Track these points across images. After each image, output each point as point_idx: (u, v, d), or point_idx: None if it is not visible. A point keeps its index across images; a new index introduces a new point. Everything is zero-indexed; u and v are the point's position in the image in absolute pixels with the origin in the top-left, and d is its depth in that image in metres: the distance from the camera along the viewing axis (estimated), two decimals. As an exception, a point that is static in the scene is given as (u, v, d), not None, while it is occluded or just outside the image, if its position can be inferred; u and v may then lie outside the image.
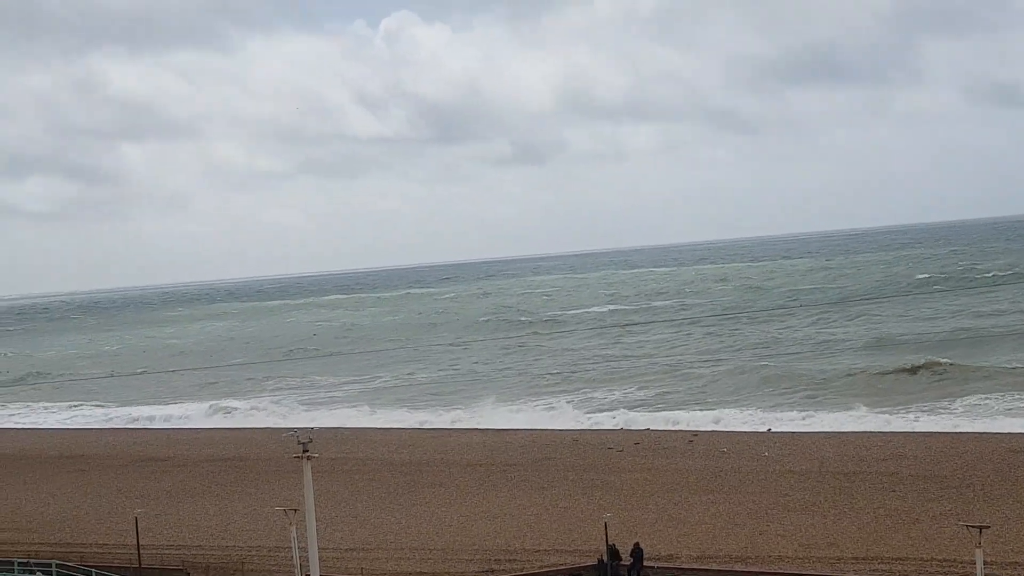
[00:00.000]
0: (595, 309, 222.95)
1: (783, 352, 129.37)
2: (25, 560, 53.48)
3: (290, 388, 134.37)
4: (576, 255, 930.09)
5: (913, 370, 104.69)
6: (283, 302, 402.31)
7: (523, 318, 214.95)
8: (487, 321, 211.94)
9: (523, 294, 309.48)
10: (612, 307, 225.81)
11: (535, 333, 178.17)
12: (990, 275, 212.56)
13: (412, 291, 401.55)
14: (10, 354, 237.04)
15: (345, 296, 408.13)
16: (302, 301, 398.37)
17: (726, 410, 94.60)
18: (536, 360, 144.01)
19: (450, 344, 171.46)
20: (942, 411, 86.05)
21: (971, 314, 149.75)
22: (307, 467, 40.91)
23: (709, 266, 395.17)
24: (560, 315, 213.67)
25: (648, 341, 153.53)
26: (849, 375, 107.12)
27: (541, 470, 72.19)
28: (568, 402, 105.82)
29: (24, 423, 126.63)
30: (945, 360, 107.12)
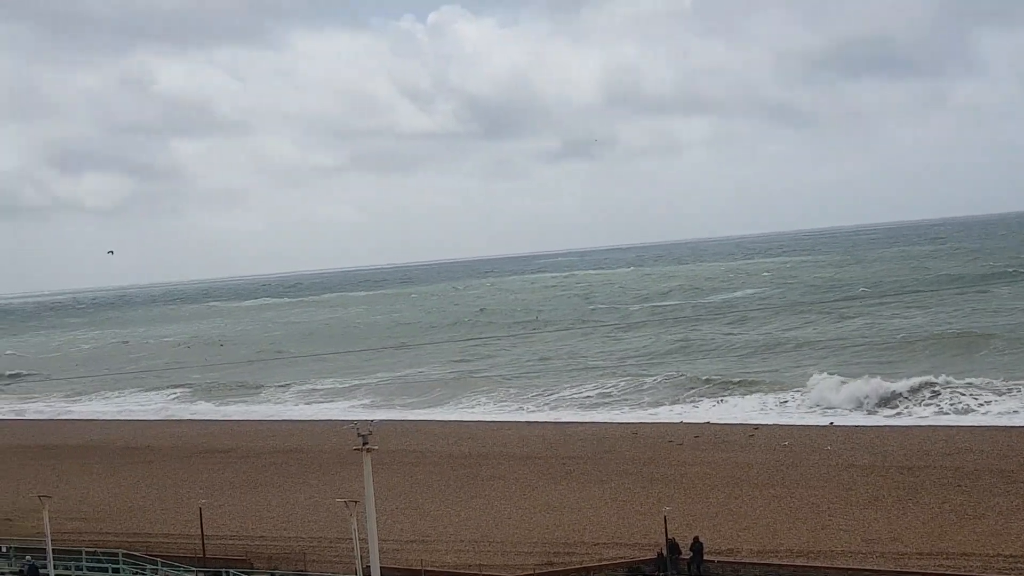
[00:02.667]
0: (668, 303, 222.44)
1: (851, 344, 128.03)
2: (93, 549, 54.18)
3: (345, 379, 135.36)
4: (629, 248, 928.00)
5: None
6: (341, 294, 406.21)
7: (591, 307, 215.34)
8: (551, 311, 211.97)
9: (591, 286, 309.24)
10: (673, 301, 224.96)
11: (604, 324, 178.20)
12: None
13: (479, 280, 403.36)
14: (116, 339, 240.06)
15: (399, 289, 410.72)
16: (363, 293, 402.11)
17: (787, 402, 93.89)
18: (602, 351, 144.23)
19: (511, 336, 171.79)
20: (1008, 406, 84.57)
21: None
22: (367, 459, 40.69)
23: (771, 260, 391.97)
24: (632, 307, 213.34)
25: (722, 332, 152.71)
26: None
27: (600, 463, 71.95)
28: (624, 394, 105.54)
29: (102, 412, 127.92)
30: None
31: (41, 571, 50.90)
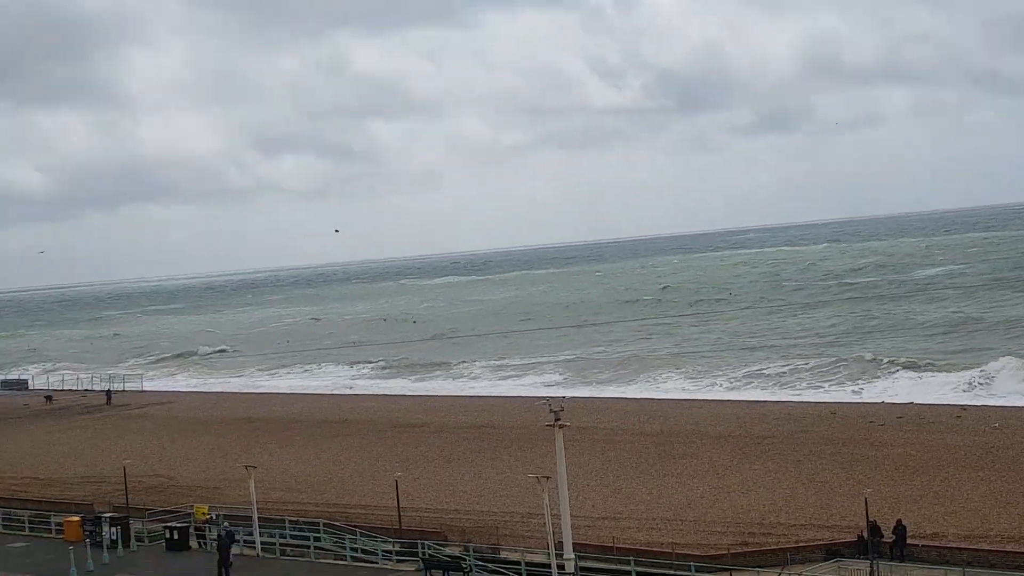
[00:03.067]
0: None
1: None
2: (296, 518, 55.91)
3: (532, 357, 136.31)
4: (826, 223, 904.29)
5: None
6: (527, 272, 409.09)
7: (782, 284, 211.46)
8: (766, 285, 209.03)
9: (783, 262, 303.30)
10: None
11: (792, 303, 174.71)
12: None
13: (668, 257, 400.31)
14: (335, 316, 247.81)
15: (586, 267, 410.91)
16: (549, 271, 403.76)
17: (993, 382, 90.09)
18: (791, 328, 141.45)
19: (695, 314, 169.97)
20: None
21: None
22: (559, 435, 41.33)
23: (976, 235, 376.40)
24: (826, 284, 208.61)
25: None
26: None
27: (796, 443, 70.27)
28: (818, 372, 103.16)
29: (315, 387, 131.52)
30: None
31: (243, 537, 52.91)
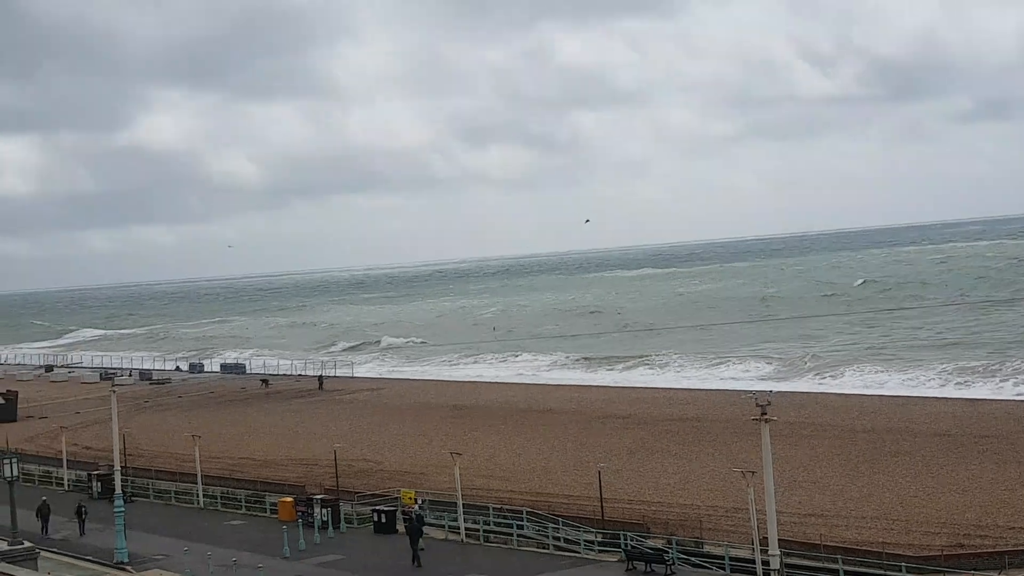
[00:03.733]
0: None
1: None
2: (499, 506, 56.73)
3: (730, 350, 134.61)
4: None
5: None
6: (724, 265, 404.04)
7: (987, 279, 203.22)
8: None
9: (995, 257, 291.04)
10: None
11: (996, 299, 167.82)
12: None
13: (877, 250, 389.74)
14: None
15: (786, 260, 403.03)
16: (772, 262, 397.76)
17: None
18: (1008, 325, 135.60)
19: (900, 308, 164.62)
20: None
21: None
22: (765, 430, 40.57)
23: None
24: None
25: None
26: None
27: (1018, 443, 67.41)
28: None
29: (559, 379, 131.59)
30: None
31: (447, 523, 54.15)
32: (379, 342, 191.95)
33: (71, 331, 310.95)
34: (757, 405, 40.86)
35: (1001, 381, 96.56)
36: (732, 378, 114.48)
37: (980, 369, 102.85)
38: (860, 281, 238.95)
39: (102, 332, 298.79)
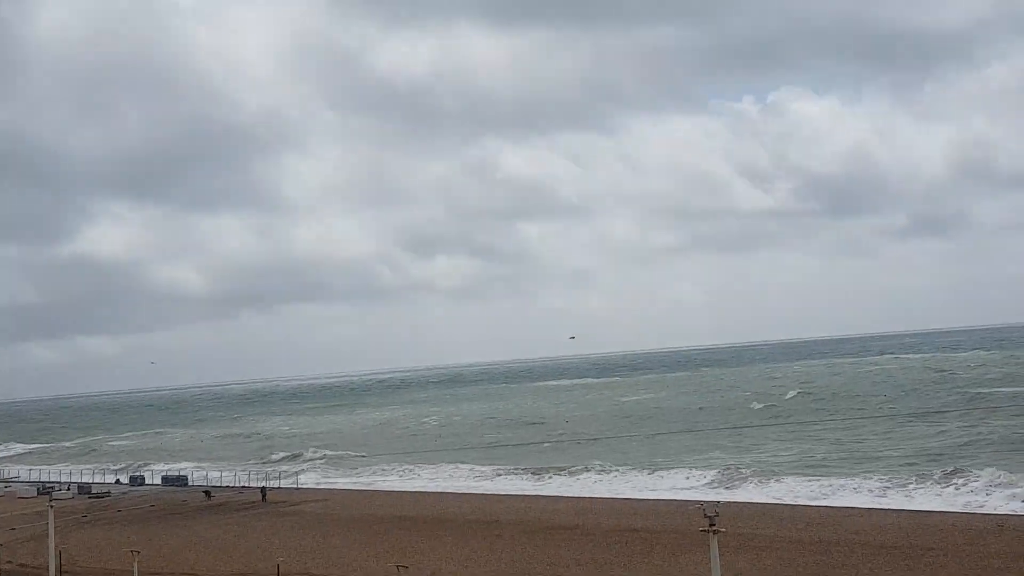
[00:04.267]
0: None
1: None
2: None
3: (674, 460, 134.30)
4: (986, 328, 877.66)
5: None
6: (661, 375, 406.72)
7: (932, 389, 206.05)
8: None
9: (935, 368, 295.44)
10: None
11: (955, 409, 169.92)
12: None
13: (809, 361, 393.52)
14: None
15: (718, 369, 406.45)
16: (684, 374, 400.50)
17: None
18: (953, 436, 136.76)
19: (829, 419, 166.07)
20: None
21: None
22: (714, 542, 40.32)
23: None
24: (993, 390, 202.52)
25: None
26: None
27: (964, 556, 67.14)
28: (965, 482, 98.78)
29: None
30: None
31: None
32: (319, 453, 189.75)
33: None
34: (705, 516, 40.32)
35: (941, 489, 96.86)
36: (676, 488, 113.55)
37: (914, 480, 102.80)
38: (793, 393, 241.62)
39: (32, 446, 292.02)
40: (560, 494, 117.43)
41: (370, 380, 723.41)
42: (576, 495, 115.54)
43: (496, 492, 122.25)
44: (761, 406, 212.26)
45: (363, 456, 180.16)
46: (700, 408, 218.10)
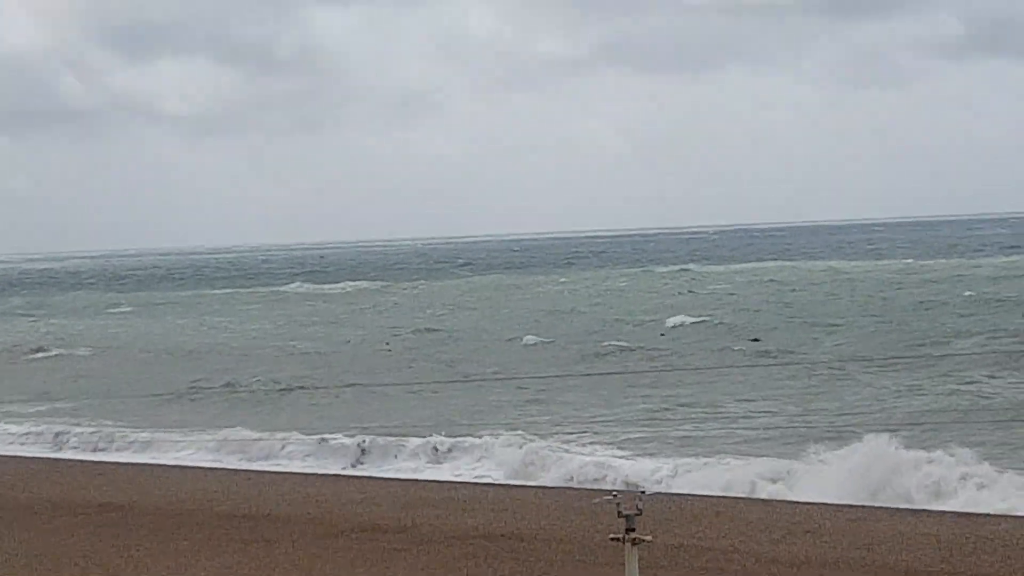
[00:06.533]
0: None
1: None
2: None
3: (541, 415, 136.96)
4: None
5: None
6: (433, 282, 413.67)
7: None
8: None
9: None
10: None
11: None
12: None
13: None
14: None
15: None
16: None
17: None
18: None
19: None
20: None
21: None
22: (633, 556, 40.78)
23: None
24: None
25: None
26: None
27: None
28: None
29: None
30: None
31: None
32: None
33: None
34: (620, 515, 40.54)
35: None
36: (576, 467, 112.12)
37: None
38: (677, 321, 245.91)
39: None
40: (382, 475, 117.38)
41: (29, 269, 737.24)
42: (403, 476, 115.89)
43: (275, 469, 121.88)
44: (606, 345, 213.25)
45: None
46: (512, 341, 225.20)
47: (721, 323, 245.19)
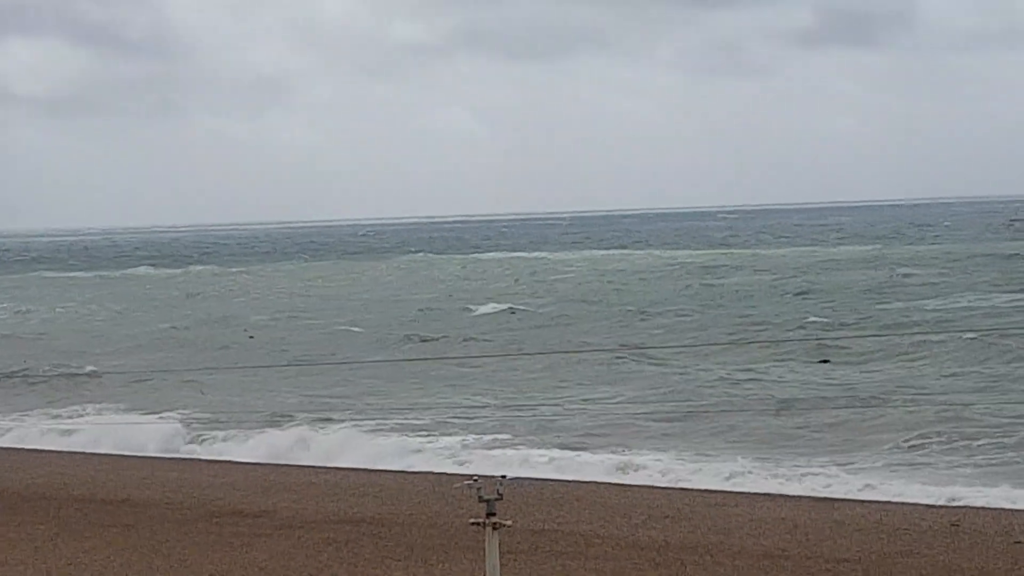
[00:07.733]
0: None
1: None
2: None
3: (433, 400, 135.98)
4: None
5: None
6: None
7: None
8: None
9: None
10: None
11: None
12: None
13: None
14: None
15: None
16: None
17: None
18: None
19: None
20: None
21: None
22: (493, 541, 41.65)
23: None
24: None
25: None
26: None
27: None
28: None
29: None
30: None
31: None
32: None
33: None
34: (481, 499, 41.56)
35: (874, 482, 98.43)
36: (439, 450, 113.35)
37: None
38: (490, 309, 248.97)
39: None
40: (237, 459, 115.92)
41: None
42: (270, 460, 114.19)
43: (139, 454, 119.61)
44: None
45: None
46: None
47: (526, 311, 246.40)
